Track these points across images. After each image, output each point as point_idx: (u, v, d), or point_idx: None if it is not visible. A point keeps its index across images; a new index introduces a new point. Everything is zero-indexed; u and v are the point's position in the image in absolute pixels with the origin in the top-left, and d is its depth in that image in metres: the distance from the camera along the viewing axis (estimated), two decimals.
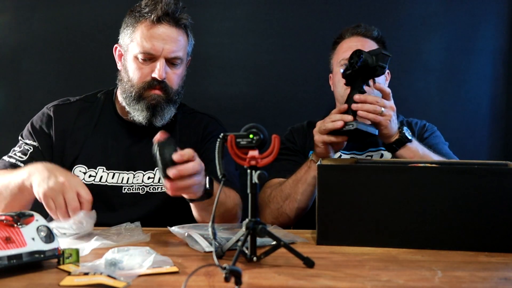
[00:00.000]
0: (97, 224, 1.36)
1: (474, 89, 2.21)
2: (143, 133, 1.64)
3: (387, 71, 1.77)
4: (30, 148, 1.58)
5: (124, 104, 1.62)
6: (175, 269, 1.04)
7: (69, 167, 1.58)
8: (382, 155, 1.76)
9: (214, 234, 1.11)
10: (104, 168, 1.60)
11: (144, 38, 1.55)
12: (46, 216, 1.26)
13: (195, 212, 1.46)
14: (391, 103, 1.54)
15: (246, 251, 1.09)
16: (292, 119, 1.99)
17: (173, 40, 1.56)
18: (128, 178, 1.60)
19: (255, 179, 1.06)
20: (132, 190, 1.59)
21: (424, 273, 1.06)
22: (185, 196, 1.27)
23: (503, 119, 2.21)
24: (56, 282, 0.96)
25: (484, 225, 1.22)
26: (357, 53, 1.52)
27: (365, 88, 1.54)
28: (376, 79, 1.54)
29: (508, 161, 1.35)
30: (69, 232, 1.28)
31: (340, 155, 1.77)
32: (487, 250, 1.21)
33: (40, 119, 1.64)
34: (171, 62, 1.58)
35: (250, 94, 2.19)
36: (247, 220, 1.08)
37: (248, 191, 1.09)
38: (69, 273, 1.01)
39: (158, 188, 1.59)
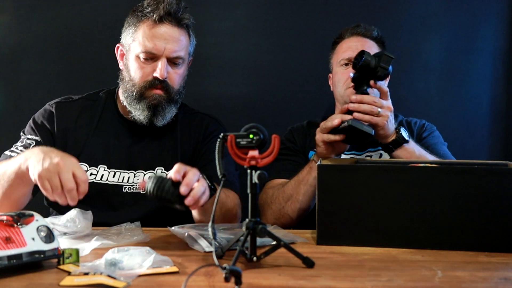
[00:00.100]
0: (97, 223, 1.37)
1: (474, 89, 2.20)
2: (145, 132, 1.64)
3: None
4: (33, 142, 1.57)
5: (125, 103, 1.62)
6: (175, 269, 1.04)
7: None
8: (381, 155, 1.77)
9: (214, 234, 1.11)
10: (106, 166, 1.60)
11: (146, 37, 1.55)
12: (47, 215, 1.26)
13: (195, 213, 1.47)
14: (388, 103, 1.54)
15: (246, 251, 1.09)
16: (292, 119, 1.99)
17: (175, 40, 1.57)
18: (128, 177, 1.60)
19: (255, 179, 1.06)
20: (133, 190, 1.59)
21: (424, 273, 1.06)
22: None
23: (503, 119, 2.21)
24: (56, 282, 0.96)
25: (484, 225, 1.22)
26: (360, 54, 1.53)
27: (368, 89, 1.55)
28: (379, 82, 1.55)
29: (508, 161, 1.35)
30: (62, 230, 1.28)
31: (340, 155, 1.77)
32: (487, 250, 1.21)
33: (42, 115, 1.64)
34: (172, 61, 1.58)
35: (250, 94, 2.19)
36: (247, 220, 1.09)
37: (248, 191, 1.09)
38: (69, 273, 1.01)
39: None
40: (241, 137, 1.11)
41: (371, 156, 1.78)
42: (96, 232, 1.32)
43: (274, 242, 1.11)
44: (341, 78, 1.79)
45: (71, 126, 1.62)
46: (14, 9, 2.15)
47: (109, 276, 0.97)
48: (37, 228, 1.06)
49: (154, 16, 1.55)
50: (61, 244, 1.09)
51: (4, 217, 1.05)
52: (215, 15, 2.16)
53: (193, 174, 1.19)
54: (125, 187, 1.59)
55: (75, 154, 1.58)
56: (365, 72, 1.53)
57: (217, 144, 1.13)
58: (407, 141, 1.56)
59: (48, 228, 1.07)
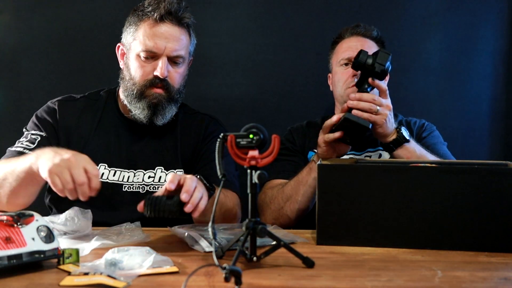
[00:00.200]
0: (97, 223, 1.37)
1: (474, 89, 2.21)
2: (145, 131, 1.65)
3: None
4: (38, 137, 1.57)
5: (125, 102, 1.63)
6: (175, 269, 1.04)
7: None
8: (380, 155, 1.77)
9: (214, 234, 1.11)
10: (106, 165, 1.60)
11: (146, 36, 1.56)
12: (47, 215, 1.26)
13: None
14: (387, 101, 1.54)
15: (246, 251, 1.09)
16: (292, 119, 1.99)
17: (176, 39, 1.57)
18: (129, 177, 1.60)
19: (255, 179, 1.06)
20: (133, 189, 1.60)
21: (424, 273, 1.06)
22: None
23: (503, 119, 2.21)
24: (56, 282, 0.96)
25: (484, 225, 1.22)
26: (358, 53, 1.54)
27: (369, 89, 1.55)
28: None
29: (508, 161, 1.35)
30: (61, 229, 1.27)
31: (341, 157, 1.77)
32: (487, 250, 1.21)
33: (45, 112, 1.64)
34: (173, 60, 1.59)
35: (250, 94, 2.19)
36: (247, 220, 1.09)
37: (248, 191, 1.09)
38: (69, 273, 1.01)
39: (158, 187, 1.59)
40: (241, 137, 1.11)
41: (370, 156, 1.78)
42: (96, 232, 1.32)
43: (274, 242, 1.11)
44: (341, 78, 1.79)
45: (73, 124, 1.63)
46: (14, 9, 2.15)
47: (109, 276, 0.97)
48: (37, 228, 1.05)
49: (155, 15, 1.55)
50: (61, 244, 1.09)
51: (4, 217, 1.05)
52: (215, 15, 2.16)
53: (191, 180, 1.22)
54: (124, 186, 1.60)
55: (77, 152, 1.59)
56: (364, 71, 1.54)
57: (217, 144, 1.13)
58: (407, 141, 1.57)
59: (48, 228, 1.07)
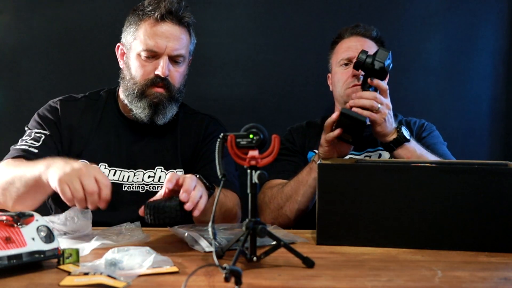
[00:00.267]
0: (97, 223, 1.36)
1: (474, 89, 2.21)
2: (145, 131, 1.65)
3: None
4: (42, 136, 1.57)
5: (126, 101, 1.63)
6: (175, 269, 1.04)
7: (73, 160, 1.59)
8: (380, 155, 1.77)
9: (214, 234, 1.11)
10: (106, 165, 1.60)
11: (147, 35, 1.56)
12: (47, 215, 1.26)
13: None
14: (387, 100, 1.54)
15: (246, 251, 1.09)
16: (292, 119, 1.99)
17: (176, 38, 1.58)
18: (129, 176, 1.61)
19: (255, 179, 1.06)
20: (133, 188, 1.60)
21: (424, 273, 1.06)
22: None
23: (503, 119, 2.21)
24: (56, 282, 0.96)
25: (484, 225, 1.22)
26: (359, 53, 1.54)
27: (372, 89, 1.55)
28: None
29: (508, 161, 1.35)
30: (61, 228, 1.27)
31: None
32: (487, 250, 1.21)
33: (47, 111, 1.64)
34: (174, 60, 1.59)
35: (250, 94, 2.19)
36: (247, 220, 1.08)
37: (248, 191, 1.09)
38: (69, 273, 1.01)
39: (158, 187, 1.60)
40: (241, 137, 1.11)
41: (370, 156, 1.78)
42: (96, 232, 1.32)
43: (274, 242, 1.11)
44: (340, 78, 1.79)
45: (75, 124, 1.63)
46: (14, 9, 2.15)
47: (109, 276, 0.97)
48: (37, 228, 1.05)
49: (156, 15, 1.56)
50: (61, 244, 1.09)
51: (4, 217, 1.05)
52: (215, 15, 2.17)
53: (191, 180, 1.22)
54: (124, 186, 1.60)
55: (78, 152, 1.60)
56: (365, 70, 1.55)
57: (217, 144, 1.13)
58: (408, 140, 1.56)
59: (48, 228, 1.07)
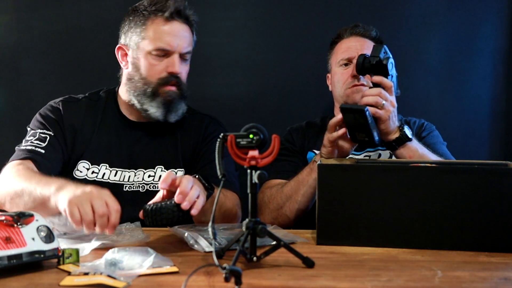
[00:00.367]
0: None
1: (474, 89, 2.20)
2: (145, 131, 1.66)
3: None
4: (47, 136, 1.57)
5: (134, 102, 1.62)
6: (175, 269, 1.04)
7: (74, 161, 1.60)
8: (380, 155, 1.76)
9: (214, 234, 1.11)
10: (107, 165, 1.61)
11: (158, 34, 1.57)
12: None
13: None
14: (392, 98, 1.51)
15: (246, 251, 1.09)
16: (292, 119, 1.99)
17: (185, 36, 1.61)
18: (129, 176, 1.61)
19: (255, 179, 1.07)
20: (133, 188, 1.60)
21: (424, 273, 1.06)
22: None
23: (503, 119, 2.21)
24: (56, 282, 0.96)
25: (484, 225, 1.22)
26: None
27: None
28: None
29: (508, 161, 1.35)
30: (61, 229, 1.27)
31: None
32: (487, 250, 1.21)
33: (49, 111, 1.64)
34: (183, 57, 1.62)
35: (250, 94, 2.19)
36: (247, 220, 1.09)
37: (248, 191, 1.09)
38: (69, 273, 1.01)
39: (158, 186, 1.59)
40: (241, 137, 1.11)
41: (369, 156, 1.78)
42: (96, 232, 1.31)
43: (274, 242, 1.11)
44: (340, 78, 1.78)
45: (77, 125, 1.63)
46: (14, 9, 2.15)
47: (109, 276, 0.97)
48: (37, 228, 1.06)
49: (166, 14, 1.57)
50: (61, 244, 1.09)
51: (4, 217, 1.05)
52: (215, 15, 2.16)
53: (187, 180, 1.22)
54: (125, 186, 1.60)
55: (80, 152, 1.60)
56: (368, 72, 1.54)
57: (217, 144, 1.13)
58: (410, 139, 1.55)
59: (48, 228, 1.07)
